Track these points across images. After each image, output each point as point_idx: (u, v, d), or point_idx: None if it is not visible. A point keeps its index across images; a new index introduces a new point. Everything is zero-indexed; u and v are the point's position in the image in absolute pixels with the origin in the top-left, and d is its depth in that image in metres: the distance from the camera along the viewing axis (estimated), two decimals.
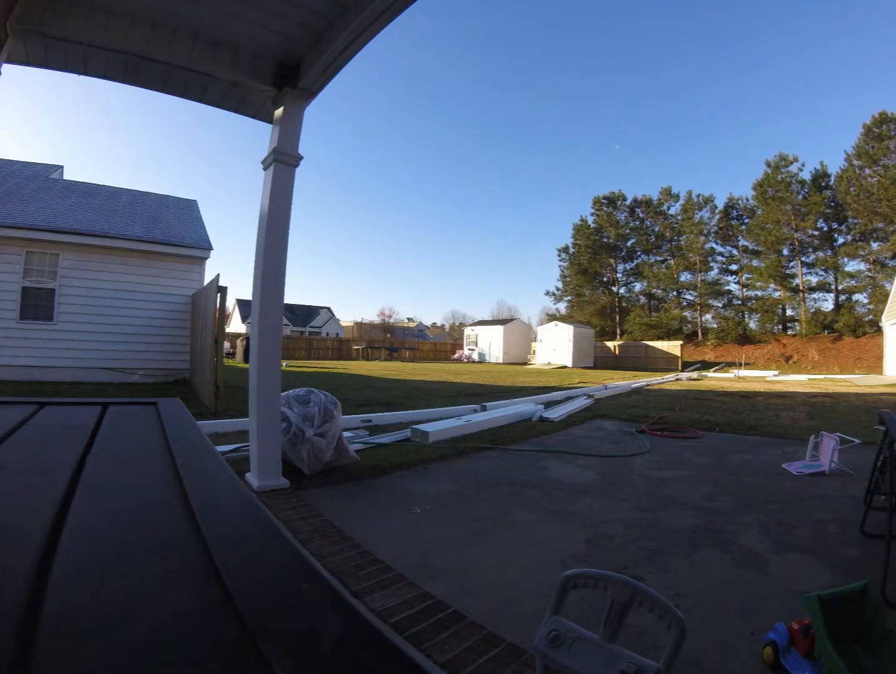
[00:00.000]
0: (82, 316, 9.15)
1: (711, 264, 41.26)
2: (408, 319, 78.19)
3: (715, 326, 39.32)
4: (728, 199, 40.96)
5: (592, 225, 44.98)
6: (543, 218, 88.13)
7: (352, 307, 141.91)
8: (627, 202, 44.73)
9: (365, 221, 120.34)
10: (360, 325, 59.04)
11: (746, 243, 39.62)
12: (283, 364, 6.72)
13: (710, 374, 23.70)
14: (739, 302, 39.63)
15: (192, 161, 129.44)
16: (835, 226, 35.48)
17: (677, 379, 18.59)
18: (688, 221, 41.45)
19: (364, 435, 5.25)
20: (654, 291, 43.54)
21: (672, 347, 30.04)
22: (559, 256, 46.35)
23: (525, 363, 31.00)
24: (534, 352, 31.59)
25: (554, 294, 47.45)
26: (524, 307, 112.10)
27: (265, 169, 3.50)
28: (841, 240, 35.46)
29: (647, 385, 14.57)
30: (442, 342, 46.26)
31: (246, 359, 17.27)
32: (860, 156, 32.41)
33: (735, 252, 40.73)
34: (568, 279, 45.91)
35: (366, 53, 2.94)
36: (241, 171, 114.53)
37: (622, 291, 45.21)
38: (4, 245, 8.65)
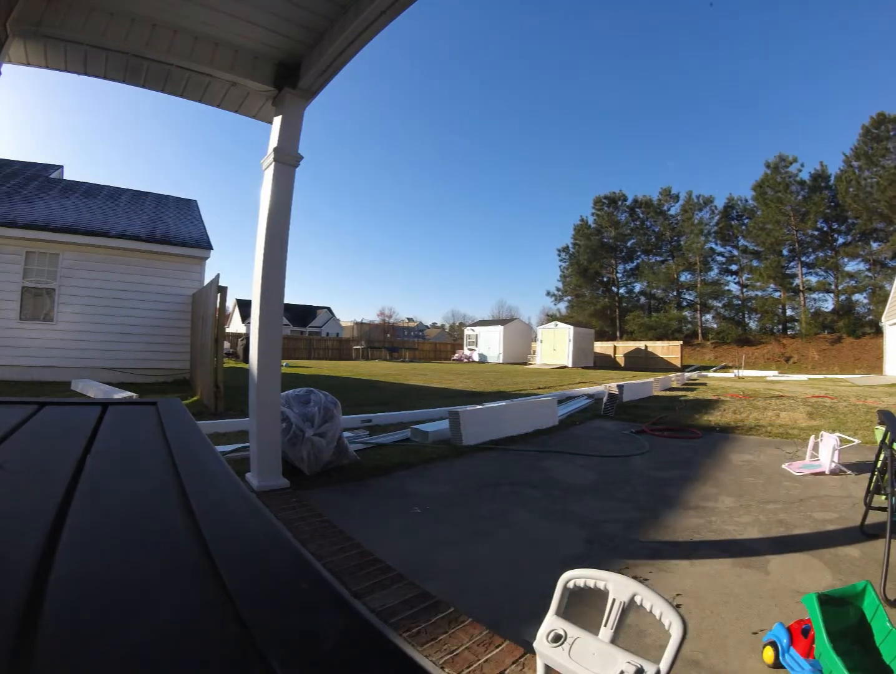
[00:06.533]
0: (82, 316, 9.14)
1: (711, 265, 41.34)
2: (408, 319, 78.23)
3: (715, 326, 39.35)
4: (728, 199, 41.07)
5: (593, 225, 45.02)
6: (544, 218, 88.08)
7: (352, 307, 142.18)
8: (628, 202, 44.78)
9: (365, 221, 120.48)
10: (360, 325, 59.05)
11: (746, 244, 39.68)
12: (283, 364, 6.72)
13: (710, 374, 23.68)
14: (739, 302, 39.66)
15: (192, 161, 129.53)
16: (835, 226, 35.50)
17: (677, 379, 18.54)
18: (687, 221, 41.49)
19: (364, 435, 5.25)
20: (653, 291, 43.56)
21: (672, 347, 30.01)
22: (559, 256, 46.45)
23: (525, 363, 30.98)
24: (534, 352, 31.57)
25: (554, 294, 47.52)
26: (524, 307, 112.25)
27: (265, 169, 3.50)
28: (841, 240, 35.50)
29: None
30: (442, 342, 46.24)
31: (246, 359, 17.25)
32: (859, 157, 32.45)
33: (735, 252, 40.79)
34: (568, 279, 45.92)
35: (367, 53, 2.94)
36: (242, 171, 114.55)
37: (622, 291, 45.24)
38: (4, 245, 8.65)
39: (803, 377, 21.82)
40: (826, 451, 4.23)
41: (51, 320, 9.01)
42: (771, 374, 23.98)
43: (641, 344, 31.54)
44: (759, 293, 38.26)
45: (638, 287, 45.01)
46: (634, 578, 1.13)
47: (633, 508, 3.28)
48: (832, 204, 34.73)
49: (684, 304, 42.09)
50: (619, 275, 45.16)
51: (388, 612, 1.88)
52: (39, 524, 0.47)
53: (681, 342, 30.86)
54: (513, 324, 34.84)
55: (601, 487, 3.78)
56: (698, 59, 62.90)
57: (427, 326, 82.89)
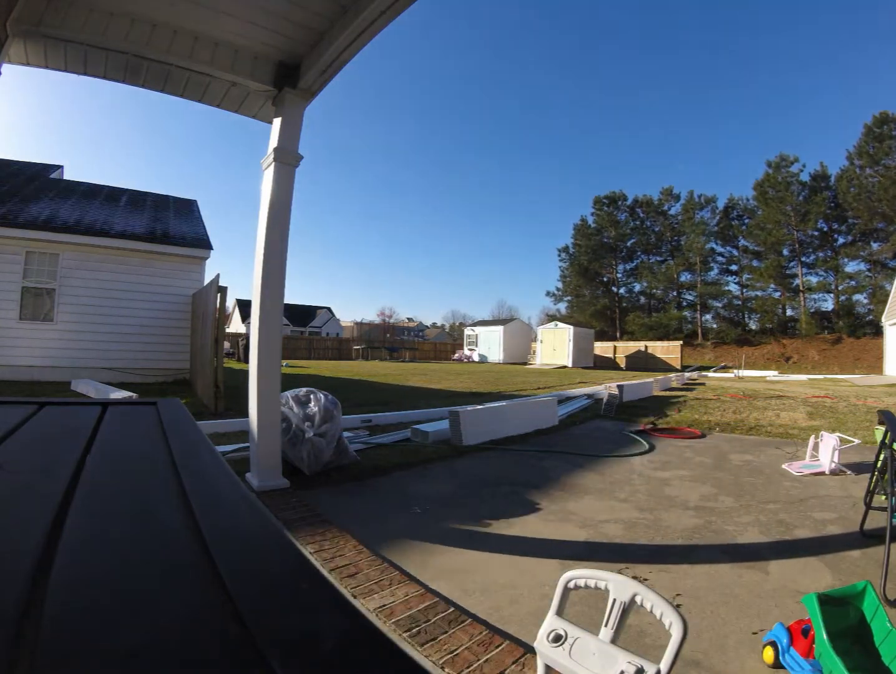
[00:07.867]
0: (82, 316, 9.14)
1: (711, 265, 41.43)
2: (408, 319, 78.25)
3: (715, 326, 39.39)
4: (728, 199, 41.19)
5: (593, 225, 45.05)
6: (544, 218, 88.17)
7: (352, 307, 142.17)
8: (628, 202, 44.81)
9: (365, 221, 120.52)
10: (360, 325, 59.05)
11: (746, 244, 39.75)
12: (283, 364, 6.72)
13: (710, 374, 23.66)
14: (739, 302, 39.71)
15: (192, 161, 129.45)
16: (835, 226, 35.55)
17: (677, 379, 18.54)
18: (688, 221, 41.51)
19: (364, 435, 5.25)
20: (653, 291, 43.59)
21: (671, 347, 30.00)
22: (559, 255, 46.51)
23: (525, 363, 30.98)
24: (534, 352, 31.56)
25: (554, 295, 47.57)
26: (524, 307, 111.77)
27: (265, 169, 3.50)
28: (841, 240, 35.54)
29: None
30: (442, 342, 46.23)
31: (246, 359, 17.25)
32: (861, 156, 32.49)
33: (735, 253, 40.85)
34: (568, 279, 45.97)
35: (371, 50, 2.94)
36: (242, 171, 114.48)
37: (622, 291, 45.28)
38: (4, 245, 8.64)
39: (803, 377, 21.80)
40: (826, 451, 4.23)
41: (51, 320, 9.01)
42: (771, 374, 23.98)
43: (641, 344, 31.52)
44: (760, 293, 38.34)
45: (638, 287, 45.13)
46: (634, 578, 1.13)
47: (632, 508, 3.28)
48: (833, 204, 34.78)
49: (684, 304, 42.17)
50: (619, 275, 45.20)
51: (388, 612, 1.88)
52: (39, 524, 0.47)
53: (681, 342, 30.84)
54: (513, 324, 34.82)
55: (601, 487, 3.78)
56: (700, 60, 63.01)
57: (427, 326, 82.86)
